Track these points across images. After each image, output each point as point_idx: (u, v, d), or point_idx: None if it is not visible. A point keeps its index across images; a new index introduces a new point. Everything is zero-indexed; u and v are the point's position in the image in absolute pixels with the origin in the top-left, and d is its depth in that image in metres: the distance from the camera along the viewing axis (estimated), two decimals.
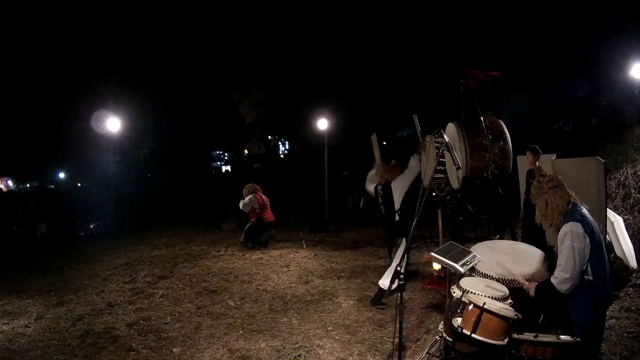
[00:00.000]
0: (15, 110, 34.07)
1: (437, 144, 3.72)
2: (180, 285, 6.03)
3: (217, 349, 3.98)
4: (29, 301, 5.73)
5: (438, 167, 4.58)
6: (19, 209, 13.59)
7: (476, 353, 2.55)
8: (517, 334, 2.57)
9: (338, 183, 12.34)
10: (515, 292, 2.86)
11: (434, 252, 3.11)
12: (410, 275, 5.26)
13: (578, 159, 5.45)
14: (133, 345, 4.16)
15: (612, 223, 4.94)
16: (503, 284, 2.95)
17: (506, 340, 2.51)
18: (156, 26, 41.21)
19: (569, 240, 2.59)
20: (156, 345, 4.15)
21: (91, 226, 12.85)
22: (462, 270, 2.91)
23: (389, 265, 4.99)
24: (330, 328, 4.31)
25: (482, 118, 4.80)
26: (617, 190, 6.98)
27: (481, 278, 3.07)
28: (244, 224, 8.67)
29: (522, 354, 2.54)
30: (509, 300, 2.71)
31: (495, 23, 34.52)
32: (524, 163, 6.13)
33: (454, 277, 3.16)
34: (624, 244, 4.92)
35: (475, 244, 3.80)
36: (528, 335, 2.57)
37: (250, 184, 8.38)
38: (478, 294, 2.64)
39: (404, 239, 4.68)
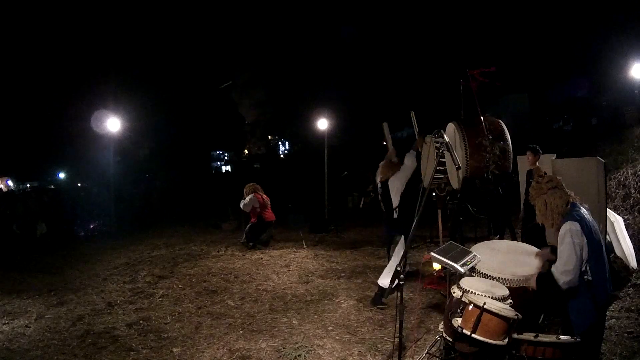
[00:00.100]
0: (15, 110, 34.18)
1: (437, 144, 3.72)
2: (180, 285, 6.03)
3: (217, 349, 3.98)
4: (29, 301, 5.73)
5: (438, 167, 4.58)
6: (19, 209, 13.57)
7: (476, 353, 2.55)
8: (517, 334, 2.57)
9: (338, 183, 12.36)
10: (515, 292, 2.86)
11: (434, 252, 3.11)
12: (410, 275, 5.26)
13: (578, 159, 5.45)
14: (133, 345, 4.16)
15: (612, 223, 4.94)
16: (503, 284, 2.95)
17: (506, 340, 2.51)
18: (156, 26, 41.33)
19: (570, 237, 2.60)
20: (156, 345, 4.15)
21: (91, 226, 12.83)
22: (462, 270, 2.91)
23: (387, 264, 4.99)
24: (330, 328, 4.31)
25: (482, 118, 4.80)
26: (617, 190, 6.98)
27: (481, 278, 3.07)
28: (244, 224, 8.68)
29: (522, 354, 2.54)
30: (509, 300, 2.71)
31: (495, 23, 34.61)
32: (524, 163, 6.12)
33: (454, 277, 3.17)
34: (624, 244, 4.92)
35: (475, 244, 3.80)
36: (528, 335, 2.57)
37: (251, 184, 8.40)
38: (478, 294, 2.65)
39: (402, 236, 4.68)
